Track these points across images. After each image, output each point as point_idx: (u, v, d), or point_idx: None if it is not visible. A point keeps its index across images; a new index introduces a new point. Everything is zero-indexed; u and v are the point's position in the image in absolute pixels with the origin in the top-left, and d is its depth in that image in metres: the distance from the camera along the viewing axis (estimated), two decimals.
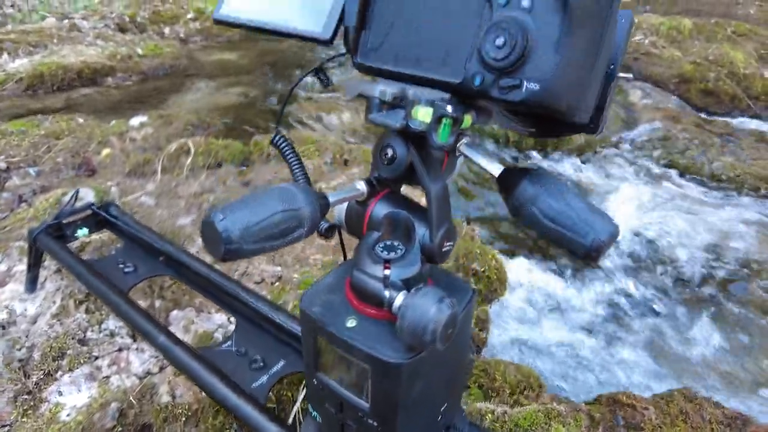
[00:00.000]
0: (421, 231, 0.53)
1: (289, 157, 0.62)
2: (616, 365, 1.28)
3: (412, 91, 0.47)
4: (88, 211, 1.22)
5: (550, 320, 1.38)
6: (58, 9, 3.67)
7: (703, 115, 2.63)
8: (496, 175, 0.50)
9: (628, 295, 1.48)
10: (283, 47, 3.45)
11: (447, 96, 0.45)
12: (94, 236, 1.33)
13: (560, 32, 0.38)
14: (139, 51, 3.04)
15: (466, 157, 0.54)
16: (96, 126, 1.97)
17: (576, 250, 0.44)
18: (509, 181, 0.48)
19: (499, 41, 0.40)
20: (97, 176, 1.72)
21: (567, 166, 2.02)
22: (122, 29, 3.74)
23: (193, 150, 1.62)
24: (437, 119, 0.44)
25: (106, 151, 1.82)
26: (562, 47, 0.38)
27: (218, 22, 0.58)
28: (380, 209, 0.56)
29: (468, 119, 0.45)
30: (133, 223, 1.21)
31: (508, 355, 1.29)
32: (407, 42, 0.48)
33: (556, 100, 0.40)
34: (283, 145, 0.63)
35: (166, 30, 3.82)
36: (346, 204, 0.58)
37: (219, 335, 1.10)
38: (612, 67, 0.49)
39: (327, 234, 0.60)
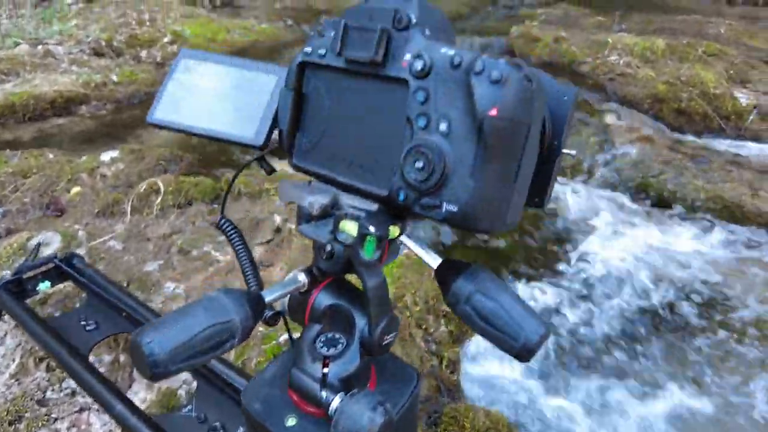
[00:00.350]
0: (362, 323, 0.52)
1: (234, 242, 0.61)
2: (591, 407, 1.28)
3: (342, 198, 0.47)
4: (51, 264, 1.20)
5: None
6: (32, 35, 3.63)
7: (676, 135, 2.66)
8: (434, 268, 0.50)
9: (603, 333, 1.49)
10: None
11: (375, 206, 0.45)
12: (59, 287, 1.30)
13: (475, 160, 0.38)
14: (114, 78, 3.02)
15: (405, 246, 0.53)
16: (66, 162, 1.94)
17: (508, 350, 0.44)
18: (446, 276, 0.48)
19: (419, 164, 0.40)
20: (65, 216, 1.69)
21: None
22: (98, 53, 3.71)
23: (163, 189, 1.60)
24: (362, 236, 0.44)
25: (75, 190, 1.80)
26: (477, 173, 0.38)
27: (153, 125, 0.57)
28: (322, 299, 0.56)
29: (395, 230, 0.45)
30: (96, 276, 1.19)
31: (480, 398, 1.28)
32: (339, 147, 0.48)
33: (474, 221, 0.40)
34: (229, 230, 0.62)
35: (143, 53, 3.79)
36: None
37: (183, 392, 1.08)
38: (556, 143, 0.51)
39: (271, 322, 0.59)
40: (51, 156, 2.00)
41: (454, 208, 0.39)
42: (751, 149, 2.54)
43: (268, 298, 0.51)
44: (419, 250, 0.51)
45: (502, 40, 3.63)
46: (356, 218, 0.45)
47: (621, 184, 2.10)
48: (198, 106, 0.54)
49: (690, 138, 2.63)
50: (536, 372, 1.35)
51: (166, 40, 3.96)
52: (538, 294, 1.57)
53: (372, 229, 0.44)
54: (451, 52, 0.39)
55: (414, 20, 0.41)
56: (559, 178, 2.10)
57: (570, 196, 2.01)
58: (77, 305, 1.25)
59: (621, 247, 1.78)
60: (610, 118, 2.62)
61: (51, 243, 1.49)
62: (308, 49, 0.47)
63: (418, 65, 0.40)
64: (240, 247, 0.61)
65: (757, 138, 2.69)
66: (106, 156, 1.92)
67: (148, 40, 3.93)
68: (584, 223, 1.86)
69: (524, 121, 0.39)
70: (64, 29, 3.90)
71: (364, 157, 0.46)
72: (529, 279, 1.63)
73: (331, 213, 0.48)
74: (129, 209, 1.62)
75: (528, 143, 0.40)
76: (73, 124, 2.54)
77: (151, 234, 1.52)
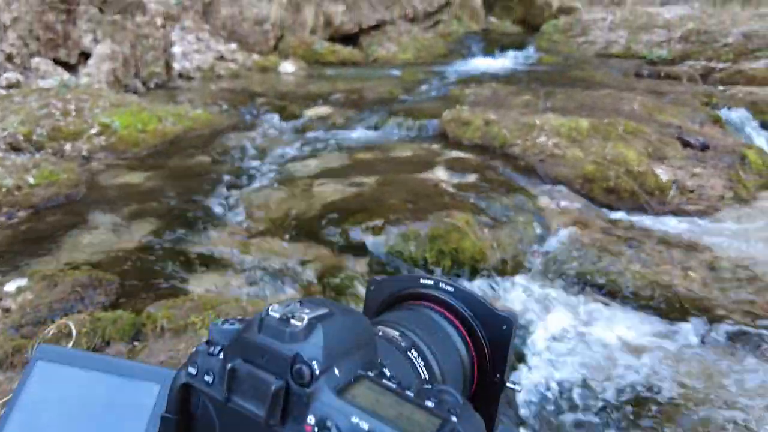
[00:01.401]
0: None
1: None
2: None
3: None
4: None
5: None
6: None
7: (607, 213, 2.77)
8: None
9: None
10: (196, 164, 3.34)
11: None
12: None
13: None
14: (31, 180, 2.82)
15: None
16: None
17: None
18: None
19: None
20: None
21: (480, 290, 2.00)
22: (15, 148, 3.49)
23: (75, 332, 1.43)
24: None
25: None
26: None
27: None
28: None
29: None
30: None
31: None
32: None
33: None
34: None
35: (67, 147, 3.61)
36: None
37: None
38: (498, 377, 0.51)
39: None
40: None
41: None
42: (675, 225, 2.67)
43: None
44: None
45: (435, 122, 3.75)
46: None
47: (561, 274, 2.11)
48: (58, 427, 0.43)
49: (621, 216, 2.73)
50: None
51: (93, 131, 3.80)
52: None
53: None
54: (365, 426, 0.32)
55: (318, 371, 0.34)
56: (499, 278, 2.09)
57: (510, 293, 1.99)
58: None
59: (563, 345, 1.76)
60: (543, 201, 2.69)
61: None
62: (192, 370, 0.38)
63: None
64: None
65: (679, 212, 2.84)
66: (12, 286, 1.72)
67: (73, 132, 3.76)
68: (526, 322, 1.83)
69: None
70: None
71: None
72: None
73: None
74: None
75: None
76: None
77: None
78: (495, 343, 0.50)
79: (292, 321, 0.35)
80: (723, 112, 4.32)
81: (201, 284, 1.77)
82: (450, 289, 0.55)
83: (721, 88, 5.26)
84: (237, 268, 1.90)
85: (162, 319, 1.41)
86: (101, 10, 5.64)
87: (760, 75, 5.53)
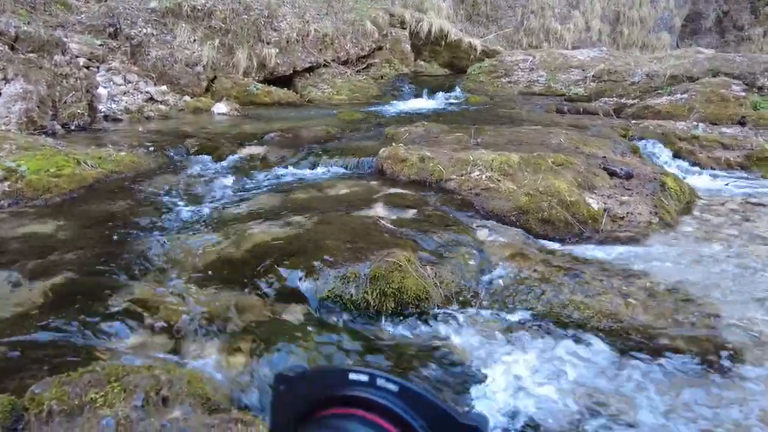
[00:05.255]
0: None
1: None
2: None
3: None
4: None
5: None
6: None
7: (545, 244, 2.79)
8: None
9: None
10: (116, 210, 3.08)
11: None
12: None
13: None
14: None
15: None
16: None
17: None
18: None
19: None
20: None
21: (427, 334, 1.91)
22: None
23: None
24: None
25: None
26: None
27: None
28: None
29: None
30: None
31: None
32: None
33: None
34: None
35: None
36: None
37: None
38: None
39: None
40: None
41: None
42: (611, 252, 2.73)
43: None
44: None
45: (372, 159, 3.71)
46: None
47: (505, 308, 2.06)
48: None
49: (557, 246, 2.76)
50: None
51: None
52: None
53: None
54: None
55: None
56: (444, 317, 2.01)
57: (457, 332, 1.91)
58: None
59: (508, 377, 1.69)
60: (482, 234, 2.67)
61: None
62: None
63: None
64: None
65: (612, 239, 2.92)
66: None
67: None
68: (473, 361, 1.75)
69: None
70: None
71: None
72: None
73: None
74: None
75: None
76: None
77: None
78: None
79: None
80: (640, 143, 4.61)
81: (110, 350, 1.55)
82: (392, 387, 0.40)
83: (633, 121, 5.65)
84: (154, 327, 1.69)
85: (51, 401, 1.18)
86: (13, 48, 5.28)
87: (664, 110, 6.01)
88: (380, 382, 0.40)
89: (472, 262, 2.33)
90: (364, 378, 0.40)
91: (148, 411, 1.16)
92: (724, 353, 1.81)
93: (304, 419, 0.40)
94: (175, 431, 1.09)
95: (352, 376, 0.41)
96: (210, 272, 2.16)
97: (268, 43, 8.11)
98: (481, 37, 11.98)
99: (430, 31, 10.39)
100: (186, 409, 1.16)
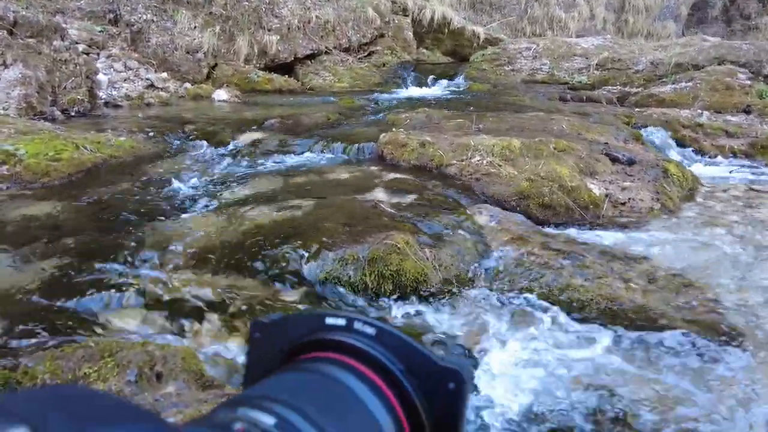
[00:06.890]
0: None
1: None
2: None
3: None
4: None
5: None
6: None
7: (545, 229, 2.77)
8: None
9: None
10: (116, 194, 3.07)
11: None
12: None
13: None
14: None
15: None
16: None
17: None
18: None
19: None
20: None
21: (425, 315, 1.90)
22: None
23: None
24: None
25: None
26: None
27: None
28: None
29: None
30: None
31: None
32: None
33: None
34: None
35: None
36: None
37: None
38: None
39: None
40: None
41: None
42: (612, 237, 2.71)
43: None
44: None
45: (372, 145, 3.69)
46: None
47: (505, 291, 2.05)
48: None
49: (558, 231, 2.74)
50: None
51: None
52: None
53: None
54: None
55: None
56: (443, 299, 1.99)
57: (456, 314, 1.90)
58: None
59: (510, 361, 1.68)
60: (482, 219, 2.66)
61: None
62: None
63: None
64: None
65: (613, 225, 2.90)
66: None
67: None
68: (474, 346, 1.74)
69: None
70: None
71: None
72: None
73: None
74: None
75: None
76: None
77: None
78: (440, 409, 0.36)
79: None
80: (643, 131, 4.57)
81: (109, 328, 1.55)
82: (370, 331, 0.38)
83: (637, 110, 5.60)
84: (153, 306, 1.69)
85: (44, 374, 1.18)
86: (11, 33, 5.24)
87: (668, 98, 5.95)
88: (357, 325, 0.38)
89: (471, 246, 2.31)
90: (341, 322, 0.39)
91: (141, 386, 1.16)
92: (722, 337, 1.79)
93: (280, 365, 0.39)
94: (169, 406, 1.08)
95: (329, 320, 0.39)
96: (209, 254, 2.15)
97: (269, 30, 8.05)
98: (485, 25, 11.87)
99: (432, 19, 10.30)
100: (180, 384, 1.15)
